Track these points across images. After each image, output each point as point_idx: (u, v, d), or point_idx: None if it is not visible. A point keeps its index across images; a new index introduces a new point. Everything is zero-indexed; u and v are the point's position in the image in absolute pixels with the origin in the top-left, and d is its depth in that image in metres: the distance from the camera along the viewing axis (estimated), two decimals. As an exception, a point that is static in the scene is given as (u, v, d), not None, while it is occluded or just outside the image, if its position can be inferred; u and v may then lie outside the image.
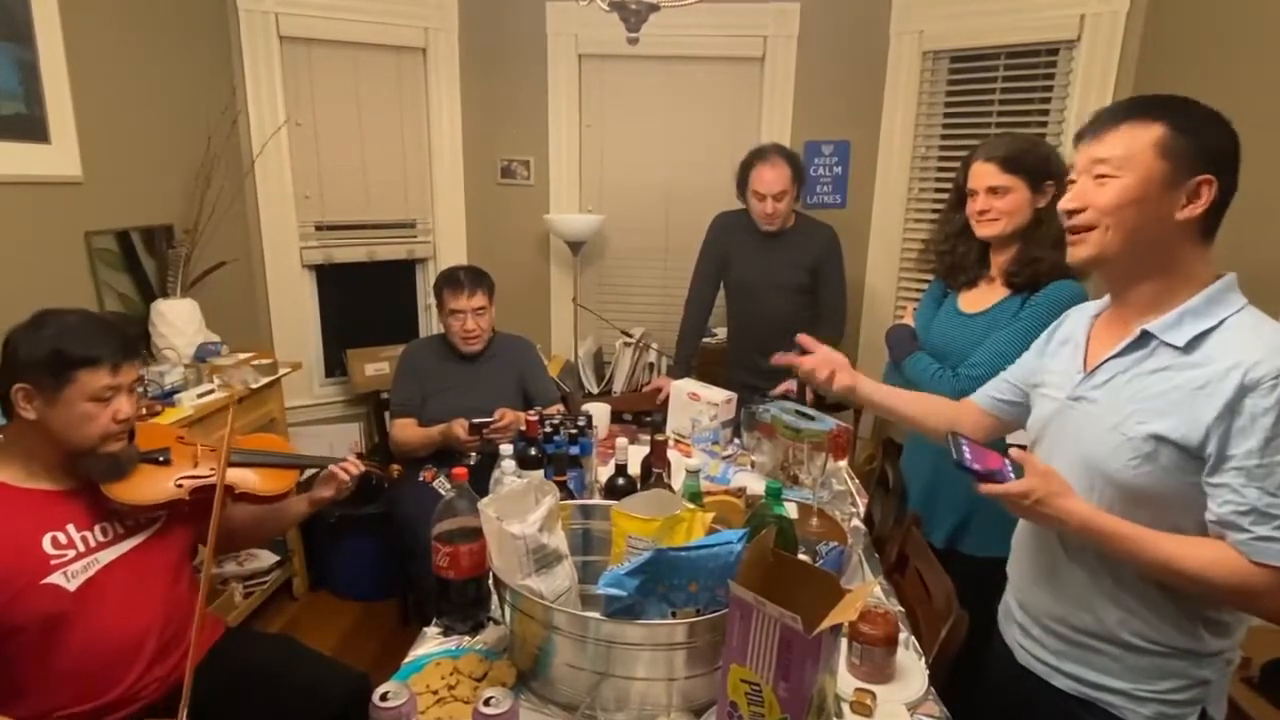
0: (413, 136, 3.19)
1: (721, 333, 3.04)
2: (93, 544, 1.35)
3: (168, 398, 2.19)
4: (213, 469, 1.49)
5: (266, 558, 2.66)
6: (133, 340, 1.41)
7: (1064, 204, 1.06)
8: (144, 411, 2.03)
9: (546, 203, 3.34)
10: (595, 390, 3.24)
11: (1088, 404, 1.09)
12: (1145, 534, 1.00)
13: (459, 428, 2.19)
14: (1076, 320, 1.21)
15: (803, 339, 1.54)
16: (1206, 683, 1.06)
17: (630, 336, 3.23)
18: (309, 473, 1.74)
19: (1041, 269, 1.56)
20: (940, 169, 3.05)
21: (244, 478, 1.54)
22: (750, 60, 3.17)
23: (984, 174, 1.59)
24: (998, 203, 1.58)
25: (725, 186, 2.93)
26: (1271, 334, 0.96)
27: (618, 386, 3.22)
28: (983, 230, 1.62)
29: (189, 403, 2.19)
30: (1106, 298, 1.15)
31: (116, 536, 1.39)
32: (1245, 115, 0.99)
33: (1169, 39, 2.43)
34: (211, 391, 2.29)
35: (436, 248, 3.31)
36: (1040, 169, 1.58)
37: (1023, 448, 1.38)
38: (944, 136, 3.05)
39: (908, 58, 3.00)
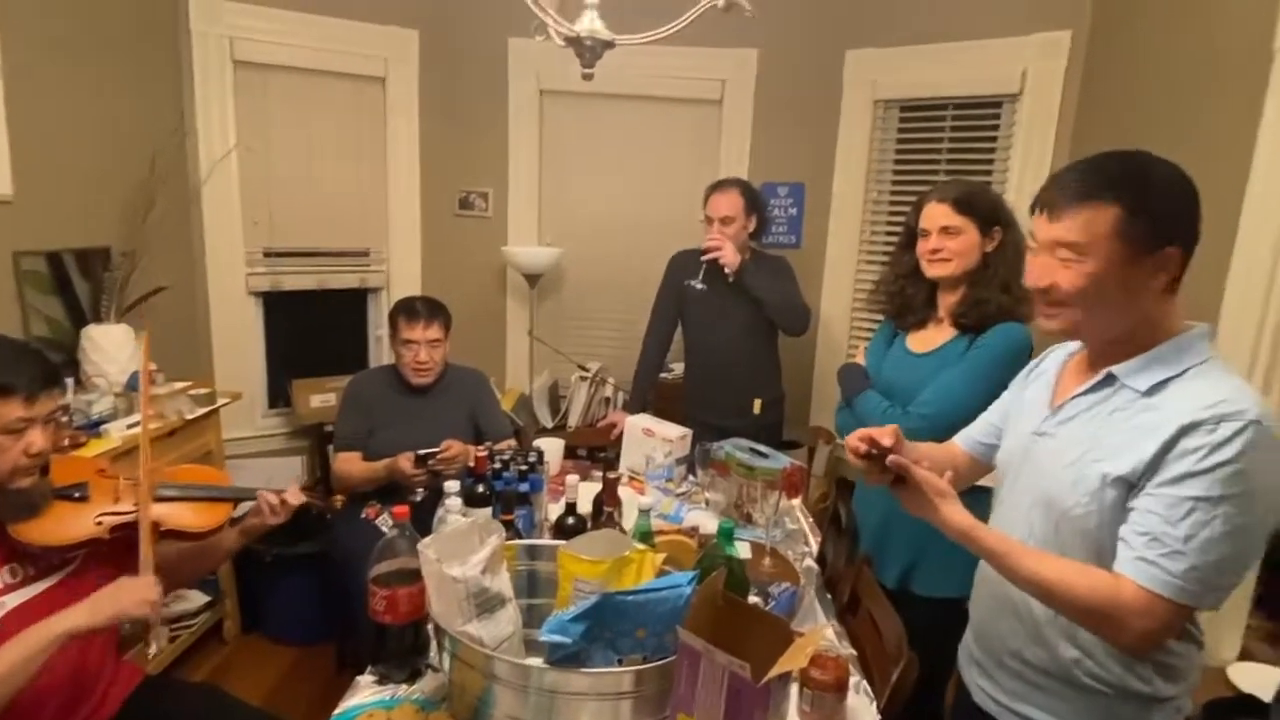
0: (369, 165, 3.15)
1: (679, 368, 3.03)
2: (-1, 587, 1.25)
3: (94, 428, 2.07)
4: (137, 504, 1.40)
5: (196, 598, 2.52)
6: (53, 369, 1.33)
7: (1031, 280, 1.05)
8: (67, 443, 1.91)
9: (505, 235, 3.32)
10: (550, 425, 3.20)
11: (1050, 439, 1.10)
12: (1015, 547, 1.02)
13: (404, 461, 2.12)
14: (1054, 356, 1.23)
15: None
16: None
17: (586, 370, 3.20)
18: (244, 506, 1.65)
19: (989, 310, 1.59)
20: (891, 213, 3.13)
21: (172, 513, 1.45)
22: (709, 102, 3.23)
23: (937, 214, 1.63)
24: (950, 243, 1.62)
25: (683, 223, 2.96)
26: (1229, 387, 0.96)
27: (573, 421, 3.18)
28: (934, 270, 1.66)
29: (117, 433, 2.08)
30: None
31: (26, 579, 1.29)
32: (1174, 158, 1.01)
33: (1105, 93, 2.56)
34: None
35: (390, 277, 3.25)
36: (990, 214, 1.62)
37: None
38: (895, 182, 3.14)
39: (860, 106, 3.09)
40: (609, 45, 1.21)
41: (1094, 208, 0.96)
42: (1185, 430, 0.93)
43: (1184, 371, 0.99)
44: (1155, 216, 0.96)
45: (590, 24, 1.19)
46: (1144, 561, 0.93)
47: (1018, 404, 1.25)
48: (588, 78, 1.26)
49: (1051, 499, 1.07)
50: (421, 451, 2.13)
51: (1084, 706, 1.08)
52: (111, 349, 2.30)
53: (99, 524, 1.34)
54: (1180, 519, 0.92)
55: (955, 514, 1.04)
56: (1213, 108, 1.95)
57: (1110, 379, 1.04)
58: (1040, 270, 1.03)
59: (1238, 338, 1.79)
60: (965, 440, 1.37)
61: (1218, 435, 0.91)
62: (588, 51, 1.21)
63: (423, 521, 1.65)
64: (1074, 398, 1.09)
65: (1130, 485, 0.98)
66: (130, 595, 1.23)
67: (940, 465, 1.31)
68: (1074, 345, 1.19)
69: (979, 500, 1.27)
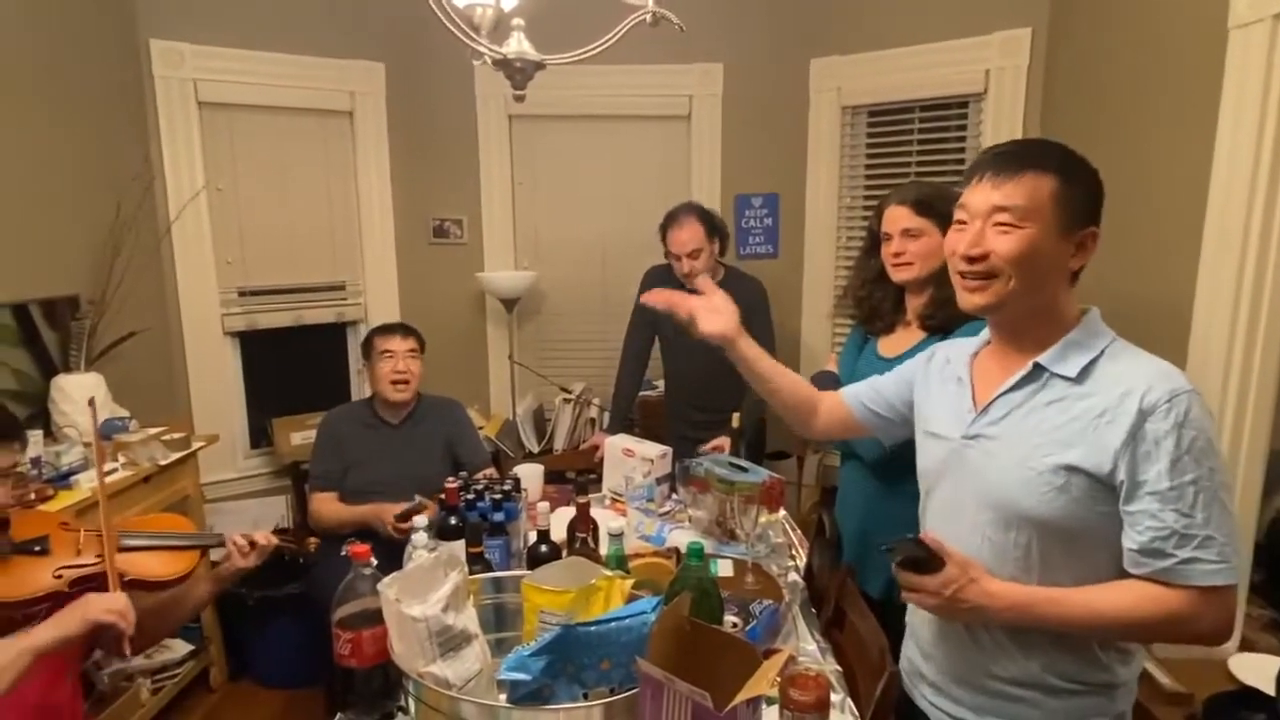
0: (340, 199, 3.14)
1: (662, 385, 3.01)
2: (-46, 646, 1.21)
3: (64, 479, 2.04)
4: (98, 556, 1.37)
5: (179, 647, 2.47)
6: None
7: (964, 249, 1.03)
8: (33, 496, 1.88)
9: (481, 261, 3.31)
10: (536, 449, 3.17)
11: (987, 441, 1.08)
12: (1067, 592, 1.00)
13: (387, 518, 2.06)
14: (955, 359, 1.20)
15: (701, 283, 1.42)
16: (1121, 715, 1.08)
17: (570, 393, 3.18)
18: (219, 554, 1.63)
19: (955, 310, 1.56)
20: (865, 217, 3.12)
21: (134, 563, 1.42)
22: (678, 118, 3.23)
23: (898, 217, 1.61)
24: (912, 245, 1.60)
25: (658, 240, 2.94)
26: (1149, 361, 1.01)
27: (559, 444, 3.15)
28: (899, 275, 1.64)
29: (88, 484, 2.05)
30: (983, 335, 1.17)
31: (-15, 637, 1.25)
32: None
33: (1068, 86, 2.56)
34: (115, 470, 2.15)
35: (368, 309, 3.23)
36: (950, 213, 1.60)
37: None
38: (867, 186, 3.14)
39: (827, 113, 3.10)
40: (540, 66, 1.21)
41: (1037, 175, 0.99)
42: (1144, 417, 0.94)
43: (1101, 353, 1.02)
44: (1083, 191, 1.00)
45: (519, 45, 1.18)
46: (1186, 564, 0.93)
47: (925, 408, 1.22)
48: (519, 99, 1.26)
49: (1005, 500, 1.04)
50: (400, 511, 2.07)
51: (1054, 708, 1.06)
52: (81, 398, 2.27)
53: (58, 577, 1.31)
54: (1192, 505, 0.93)
55: (998, 587, 1.00)
56: (1174, 91, 1.95)
57: (1038, 370, 1.04)
58: (974, 238, 1.02)
59: (1212, 314, 1.77)
60: (850, 397, 1.38)
61: (1176, 412, 0.93)
62: (518, 74, 1.20)
63: (398, 558, 1.62)
64: (1002, 395, 1.07)
65: (1097, 478, 0.97)
66: (98, 604, 1.20)
67: (800, 394, 1.38)
68: (971, 345, 1.19)
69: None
